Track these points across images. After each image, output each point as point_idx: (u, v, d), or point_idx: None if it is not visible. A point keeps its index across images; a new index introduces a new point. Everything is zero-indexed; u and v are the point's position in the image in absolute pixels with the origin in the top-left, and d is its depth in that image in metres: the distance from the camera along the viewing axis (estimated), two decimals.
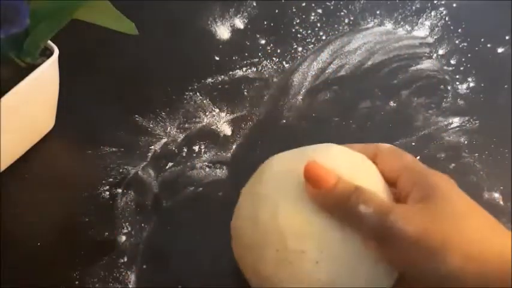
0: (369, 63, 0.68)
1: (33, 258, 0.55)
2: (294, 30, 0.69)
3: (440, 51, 0.68)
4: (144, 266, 0.54)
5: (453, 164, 0.61)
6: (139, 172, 0.60)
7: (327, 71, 0.67)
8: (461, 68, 0.67)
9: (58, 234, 0.56)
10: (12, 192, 0.59)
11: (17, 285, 0.53)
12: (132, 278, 0.54)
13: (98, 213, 0.57)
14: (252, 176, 0.49)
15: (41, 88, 0.56)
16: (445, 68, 0.67)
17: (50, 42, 0.54)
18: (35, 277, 0.54)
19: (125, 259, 0.55)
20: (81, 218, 0.57)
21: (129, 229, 0.56)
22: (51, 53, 0.54)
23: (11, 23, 0.45)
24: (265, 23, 0.70)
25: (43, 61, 0.54)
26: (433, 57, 0.68)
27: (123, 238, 0.56)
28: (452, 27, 0.70)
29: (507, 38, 0.69)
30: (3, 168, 0.59)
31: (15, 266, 0.54)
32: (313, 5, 0.71)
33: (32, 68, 0.53)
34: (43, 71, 0.54)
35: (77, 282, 0.53)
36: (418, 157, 0.61)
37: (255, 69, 0.67)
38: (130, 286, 0.53)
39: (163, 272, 0.54)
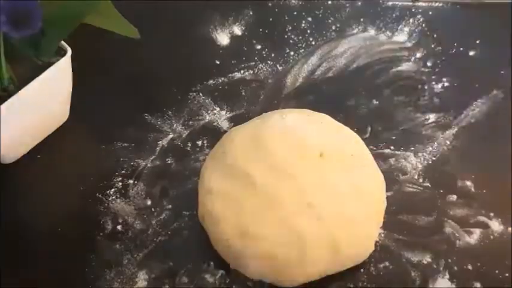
0: (354, 65, 0.68)
1: (53, 243, 0.56)
2: (286, 36, 0.70)
3: (418, 55, 0.68)
4: (153, 253, 0.55)
5: (430, 156, 0.61)
6: (149, 165, 0.60)
7: (316, 73, 0.67)
8: (437, 70, 0.67)
9: (75, 221, 0.57)
10: (28, 181, 0.59)
11: (38, 267, 0.54)
12: (142, 264, 0.54)
13: (111, 203, 0.57)
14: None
15: (55, 84, 0.56)
16: (422, 69, 0.67)
17: (63, 43, 0.55)
18: (54, 259, 0.55)
19: (136, 244, 0.55)
20: (96, 207, 0.57)
21: (140, 217, 0.57)
22: (65, 53, 0.55)
23: (25, 25, 0.46)
24: (261, 30, 0.70)
25: (57, 60, 0.55)
26: (412, 60, 0.68)
27: (134, 226, 0.56)
28: (428, 33, 0.70)
29: (477, 42, 0.69)
30: (20, 155, 0.60)
31: (34, 250, 0.55)
32: (303, 13, 0.71)
33: (47, 65, 0.54)
34: (57, 68, 0.55)
35: (93, 264, 0.54)
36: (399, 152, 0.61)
37: (251, 72, 0.67)
38: (140, 272, 0.54)
39: (170, 259, 0.55)
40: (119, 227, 0.56)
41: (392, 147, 0.61)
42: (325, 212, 0.51)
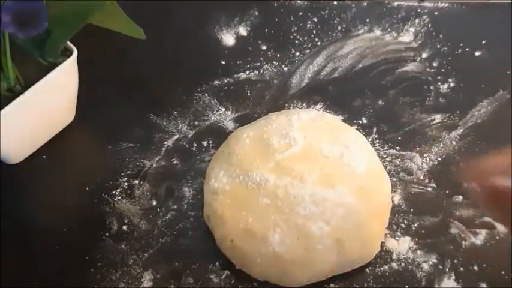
0: (360, 66, 0.68)
1: (58, 243, 0.56)
2: (292, 37, 0.69)
3: (424, 55, 0.68)
4: (159, 253, 0.55)
5: (436, 157, 0.61)
6: (154, 165, 0.60)
7: (321, 74, 0.67)
8: (443, 70, 0.67)
9: (80, 221, 0.57)
10: (34, 182, 0.60)
11: (43, 268, 0.55)
12: (147, 264, 0.54)
13: (117, 203, 0.58)
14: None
15: (61, 84, 0.57)
16: (428, 70, 0.67)
17: (69, 43, 0.55)
18: (60, 259, 0.55)
19: (141, 244, 0.55)
20: (102, 207, 0.57)
21: (145, 217, 0.57)
22: (71, 54, 0.55)
23: (30, 26, 0.46)
24: (266, 30, 0.70)
25: (63, 60, 0.55)
26: (417, 60, 0.68)
27: (140, 226, 0.56)
28: (434, 33, 0.70)
29: (483, 42, 0.69)
30: (25, 155, 0.60)
31: (39, 250, 0.56)
32: (309, 14, 0.71)
33: (53, 66, 0.54)
34: (63, 69, 0.55)
35: (99, 264, 0.54)
36: (404, 152, 0.61)
37: (257, 72, 0.67)
38: (145, 272, 0.54)
39: (176, 259, 0.55)
40: (124, 227, 0.56)
41: (397, 147, 0.61)
42: (330, 213, 0.51)
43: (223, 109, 0.64)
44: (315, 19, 0.71)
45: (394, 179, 0.59)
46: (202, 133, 0.62)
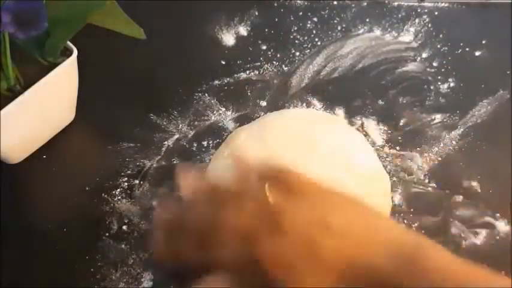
0: (360, 66, 0.68)
1: (58, 243, 0.56)
2: (292, 36, 0.70)
3: (424, 55, 0.68)
4: None
5: (436, 157, 0.61)
6: (154, 165, 0.60)
7: (321, 73, 0.67)
8: (443, 70, 0.67)
9: (80, 221, 0.57)
10: (34, 182, 0.60)
11: (43, 267, 0.55)
12: (148, 262, 0.55)
13: (117, 203, 0.58)
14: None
15: (61, 84, 0.57)
16: (428, 69, 0.67)
17: (69, 43, 0.55)
18: (60, 259, 0.55)
19: (142, 244, 0.55)
20: (102, 207, 0.57)
21: (145, 217, 0.57)
22: (71, 53, 0.55)
23: (30, 26, 0.46)
24: (266, 30, 0.70)
25: (63, 60, 0.55)
26: (417, 60, 0.68)
27: (140, 226, 0.56)
28: (434, 33, 0.70)
29: (483, 42, 0.69)
30: (26, 155, 0.60)
31: (39, 250, 0.56)
32: (309, 14, 0.71)
33: (53, 66, 0.54)
34: (63, 69, 0.55)
35: (99, 264, 0.54)
36: (404, 152, 0.61)
37: (257, 72, 0.67)
38: (145, 272, 0.54)
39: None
40: (124, 227, 0.56)
41: (397, 147, 0.61)
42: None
43: (223, 109, 0.64)
44: (315, 19, 0.71)
45: (394, 179, 0.59)
46: (202, 133, 0.62)
